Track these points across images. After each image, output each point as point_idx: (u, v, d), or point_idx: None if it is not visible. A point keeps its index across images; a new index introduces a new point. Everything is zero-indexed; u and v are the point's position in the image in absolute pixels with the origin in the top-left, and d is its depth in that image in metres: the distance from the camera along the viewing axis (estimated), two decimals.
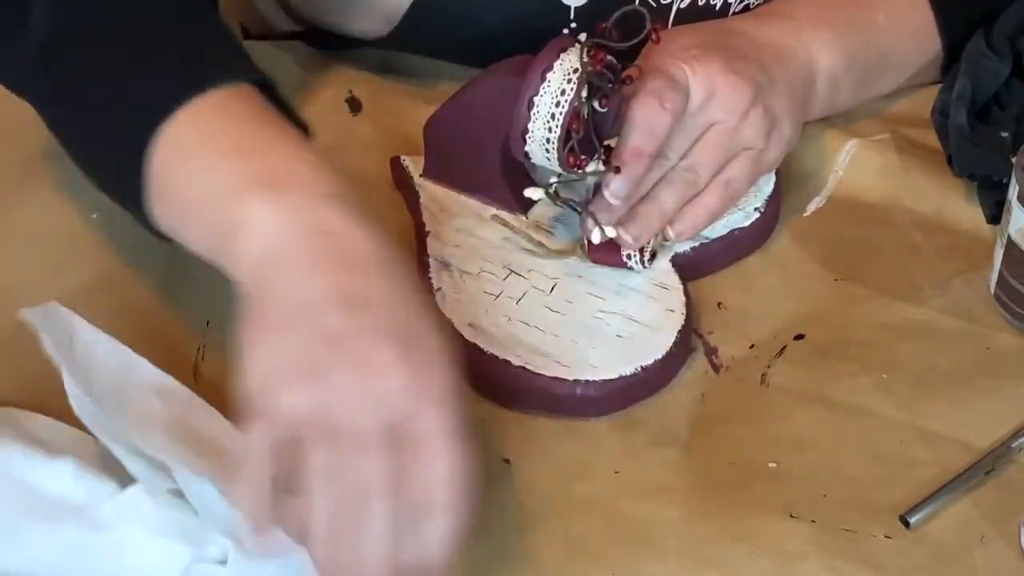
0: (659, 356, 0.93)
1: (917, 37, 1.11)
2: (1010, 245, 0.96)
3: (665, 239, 0.99)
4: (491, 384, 0.92)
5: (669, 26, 1.09)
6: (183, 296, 0.98)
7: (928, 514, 0.86)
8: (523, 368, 0.91)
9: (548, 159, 0.94)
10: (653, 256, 0.99)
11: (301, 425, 0.76)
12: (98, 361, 0.87)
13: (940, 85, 1.10)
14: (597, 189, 0.96)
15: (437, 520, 0.76)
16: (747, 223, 1.02)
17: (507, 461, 0.90)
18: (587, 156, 0.94)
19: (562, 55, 0.92)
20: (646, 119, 0.94)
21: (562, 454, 0.90)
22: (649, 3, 1.08)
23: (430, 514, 0.76)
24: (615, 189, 0.94)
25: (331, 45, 1.16)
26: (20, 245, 1.02)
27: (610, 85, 0.92)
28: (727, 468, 0.90)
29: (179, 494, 0.82)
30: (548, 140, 0.93)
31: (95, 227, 1.03)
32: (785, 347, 0.97)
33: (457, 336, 0.92)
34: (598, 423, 0.91)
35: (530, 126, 0.93)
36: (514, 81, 0.93)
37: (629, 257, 0.98)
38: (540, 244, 0.99)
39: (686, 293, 0.97)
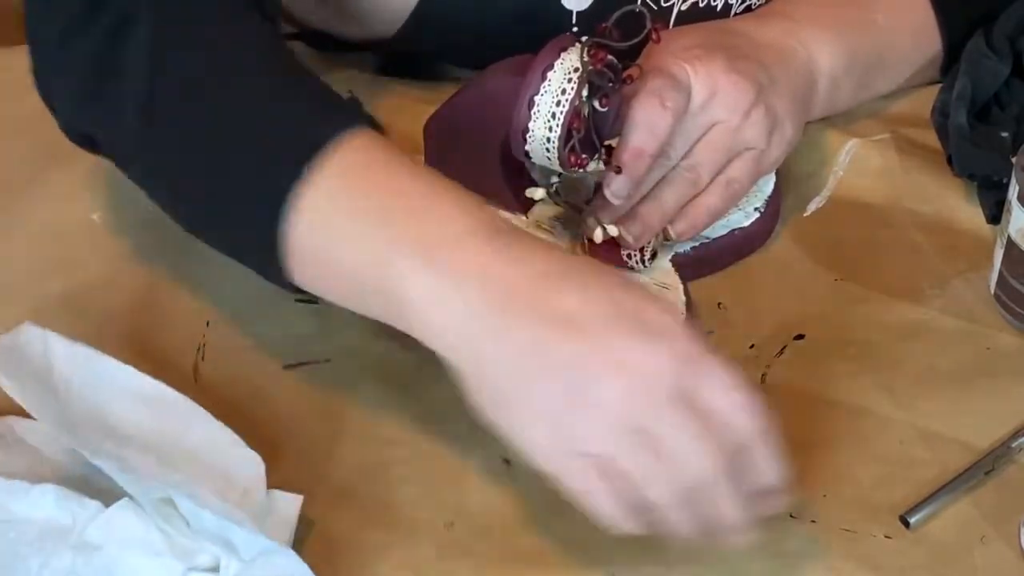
0: None
1: (917, 37, 1.11)
2: (1010, 245, 0.96)
3: (666, 239, 0.99)
4: None
5: (670, 28, 1.09)
6: (183, 296, 0.98)
7: (928, 514, 0.86)
8: None
9: (549, 159, 0.94)
10: (653, 256, 0.99)
11: (621, 453, 0.78)
12: (75, 380, 0.87)
13: (940, 85, 1.10)
14: (598, 188, 0.96)
15: (761, 453, 0.80)
16: (747, 223, 1.02)
17: (507, 461, 0.90)
18: (588, 156, 0.94)
19: (563, 54, 0.92)
20: (647, 119, 0.94)
21: None
22: (650, 5, 1.08)
23: (754, 452, 0.80)
24: (616, 189, 0.94)
25: (330, 48, 1.16)
26: (21, 245, 1.02)
27: (611, 84, 0.92)
28: None
29: (169, 503, 0.82)
30: (549, 140, 0.93)
31: (95, 228, 1.03)
32: (785, 347, 0.97)
33: None
34: None
35: (531, 125, 0.93)
36: (514, 81, 0.93)
37: (629, 257, 0.98)
38: None
39: (686, 293, 0.97)
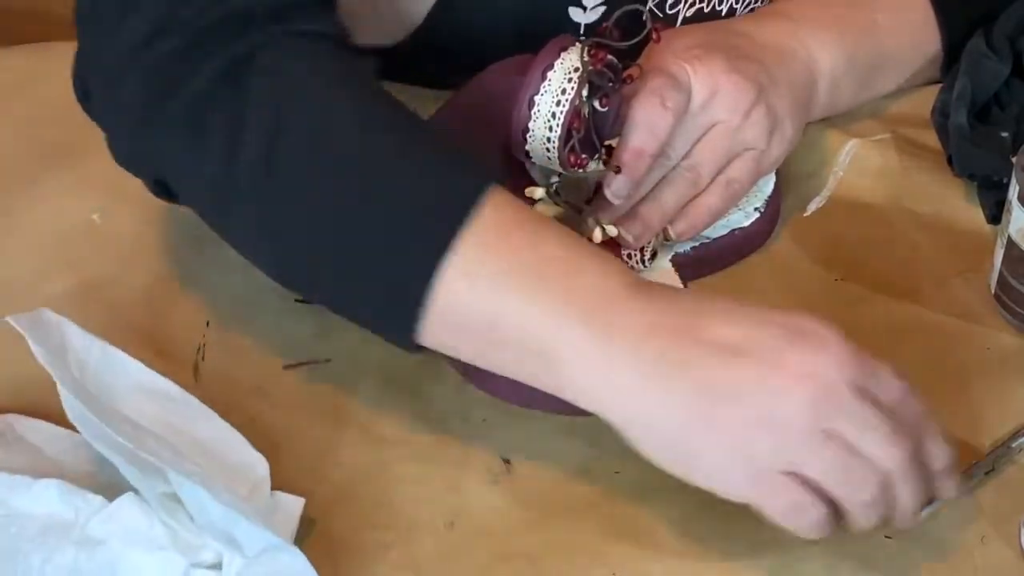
0: None
1: (917, 37, 1.11)
2: (1010, 245, 0.96)
3: (666, 238, 0.99)
4: (492, 382, 0.91)
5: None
6: (183, 296, 0.98)
7: (928, 514, 0.86)
8: None
9: (549, 158, 0.94)
10: (653, 255, 0.99)
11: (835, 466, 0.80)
12: (90, 366, 0.87)
13: (940, 85, 1.10)
14: (598, 188, 0.96)
15: (933, 438, 0.82)
16: (747, 223, 1.02)
17: (507, 461, 0.90)
18: (588, 156, 0.94)
19: (563, 54, 0.92)
20: (647, 119, 0.94)
21: (562, 454, 0.90)
22: (655, 12, 1.07)
23: (927, 438, 0.82)
24: (616, 189, 0.94)
25: None
26: (21, 245, 1.02)
27: (611, 84, 0.92)
28: None
29: (174, 497, 0.82)
30: (549, 139, 0.93)
31: (96, 228, 1.03)
32: None
33: None
34: (598, 423, 0.91)
35: (531, 125, 0.93)
36: (515, 80, 0.93)
37: (630, 257, 0.98)
38: None
39: None
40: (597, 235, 0.96)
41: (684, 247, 1.00)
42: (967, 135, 1.05)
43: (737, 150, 0.98)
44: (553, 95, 0.92)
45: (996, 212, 1.03)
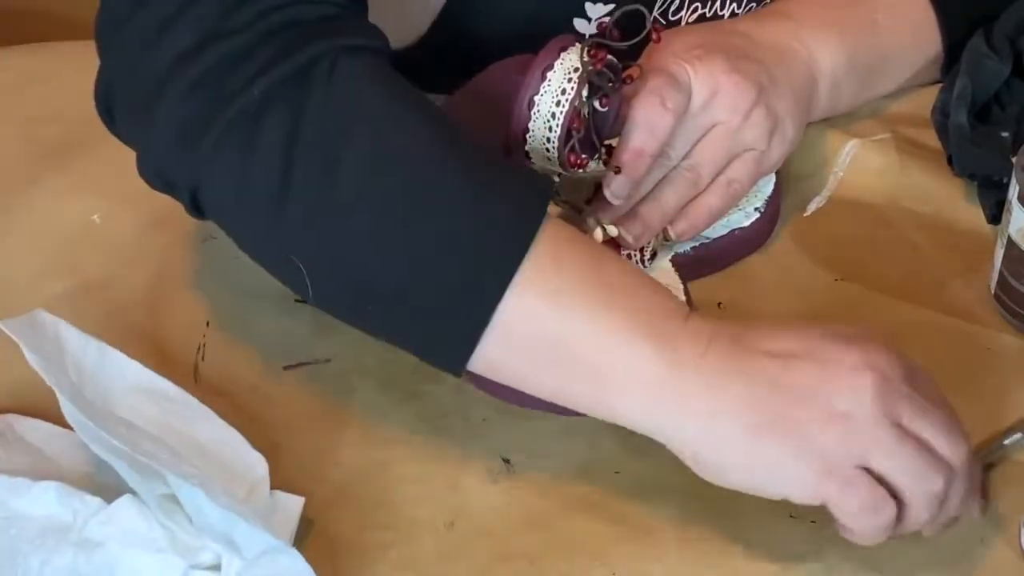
0: None
1: (917, 37, 1.11)
2: (1010, 245, 0.96)
3: (666, 238, 0.99)
4: (492, 383, 0.91)
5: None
6: (183, 296, 0.98)
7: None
8: None
9: (549, 158, 0.94)
10: (653, 256, 0.99)
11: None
12: (87, 367, 0.87)
13: (940, 85, 1.10)
14: (598, 188, 0.96)
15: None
16: (747, 223, 1.02)
17: (507, 461, 0.90)
18: (588, 156, 0.94)
19: (562, 54, 0.92)
20: (647, 119, 0.94)
21: (562, 454, 0.90)
22: (658, 19, 1.07)
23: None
24: (616, 189, 0.94)
25: None
26: (21, 246, 1.02)
27: (611, 84, 0.92)
28: None
29: (172, 499, 0.82)
30: (549, 139, 0.93)
31: (96, 228, 1.03)
32: None
33: None
34: (598, 423, 0.91)
35: (531, 125, 0.93)
36: (514, 80, 0.93)
37: (629, 257, 0.98)
38: None
39: (686, 293, 0.97)
40: (597, 235, 0.96)
41: (684, 247, 1.00)
42: (967, 135, 1.05)
43: (737, 150, 0.98)
44: (553, 95, 0.92)
45: (996, 212, 1.03)
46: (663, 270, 0.98)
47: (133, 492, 0.83)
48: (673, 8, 1.09)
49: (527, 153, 0.95)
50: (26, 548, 0.81)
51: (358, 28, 0.88)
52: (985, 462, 0.89)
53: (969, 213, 1.05)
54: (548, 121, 0.92)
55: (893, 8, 1.09)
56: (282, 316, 0.96)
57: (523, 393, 0.89)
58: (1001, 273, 0.98)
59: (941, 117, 1.08)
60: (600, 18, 1.06)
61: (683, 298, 0.96)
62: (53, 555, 0.81)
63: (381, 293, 0.84)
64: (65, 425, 0.86)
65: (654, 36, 0.94)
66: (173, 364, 0.93)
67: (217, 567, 0.80)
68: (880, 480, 0.81)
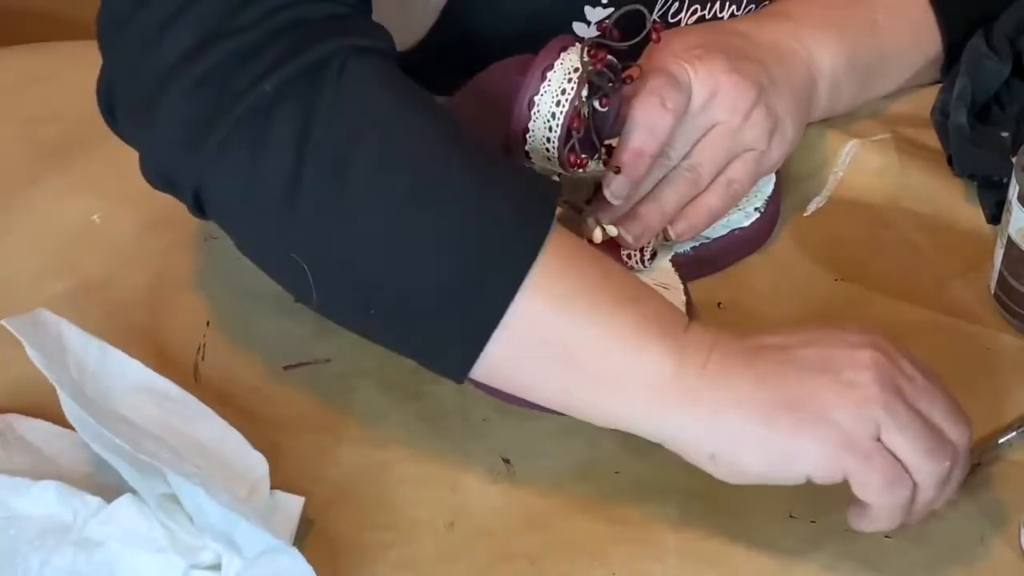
0: None
1: (917, 37, 1.11)
2: (1010, 245, 0.96)
3: (666, 239, 0.99)
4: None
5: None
6: (183, 296, 0.98)
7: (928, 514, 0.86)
8: None
9: (549, 158, 0.94)
10: (653, 256, 0.99)
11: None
12: (89, 366, 0.87)
13: (940, 85, 1.10)
14: (598, 188, 0.96)
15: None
16: (747, 223, 1.02)
17: (507, 461, 0.90)
18: (588, 156, 0.94)
19: (563, 54, 0.92)
20: (647, 119, 0.94)
21: (562, 454, 0.90)
22: (656, 19, 1.07)
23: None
24: (615, 189, 0.94)
25: None
26: (21, 246, 1.02)
27: (611, 84, 0.92)
28: None
29: (173, 498, 0.82)
30: (549, 139, 0.93)
31: (96, 228, 1.03)
32: None
33: None
34: None
35: (531, 125, 0.93)
36: (514, 80, 0.93)
37: (629, 257, 0.98)
38: None
39: (686, 293, 0.97)
40: (597, 235, 0.96)
41: (684, 247, 1.00)
42: (967, 135, 1.05)
43: (737, 151, 0.98)
44: (553, 95, 0.92)
45: (996, 212, 1.03)
46: (663, 270, 0.98)
47: (133, 491, 0.83)
48: (673, 10, 1.09)
49: (527, 153, 0.95)
50: (26, 548, 0.81)
51: (366, 28, 0.88)
52: (979, 461, 0.89)
53: (969, 213, 1.05)
54: (548, 121, 0.92)
55: (893, 8, 1.09)
56: (282, 316, 0.96)
57: None
58: (1001, 273, 0.98)
59: (941, 117, 1.08)
60: (599, 21, 1.06)
61: (683, 298, 0.96)
62: (53, 555, 0.81)
63: (386, 295, 0.84)
64: (65, 425, 0.86)
65: (654, 36, 0.94)
66: (173, 364, 0.93)
67: (217, 567, 0.80)
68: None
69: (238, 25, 0.84)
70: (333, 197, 0.83)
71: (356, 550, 0.85)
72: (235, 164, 0.84)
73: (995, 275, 0.98)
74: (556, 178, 0.97)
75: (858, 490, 0.81)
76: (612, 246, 0.97)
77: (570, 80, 0.92)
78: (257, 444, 0.86)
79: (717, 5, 1.11)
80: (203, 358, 0.95)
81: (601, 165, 0.95)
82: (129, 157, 0.90)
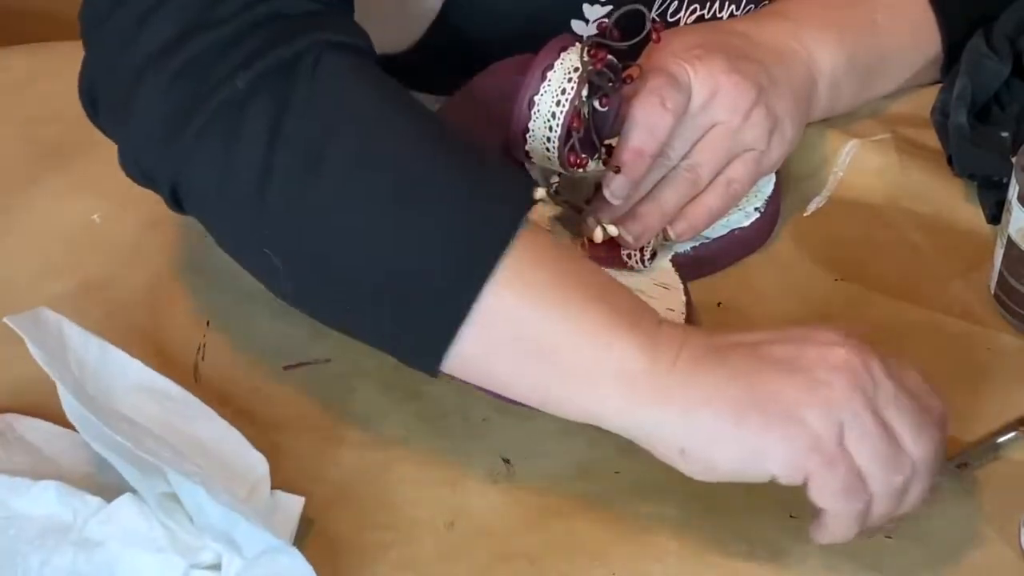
0: None
1: (917, 37, 1.11)
2: (1010, 245, 0.96)
3: (665, 239, 0.99)
4: None
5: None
6: (183, 296, 0.98)
7: (928, 514, 0.86)
8: None
9: (549, 158, 0.94)
10: (653, 256, 0.99)
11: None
12: (89, 365, 0.87)
13: (940, 85, 1.10)
14: (598, 188, 0.96)
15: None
16: (747, 223, 1.02)
17: (507, 461, 0.90)
18: (588, 155, 0.94)
19: (563, 54, 0.92)
20: (647, 119, 0.94)
21: (562, 454, 0.90)
22: (655, 19, 1.07)
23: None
24: (615, 189, 0.94)
25: None
26: (21, 245, 1.02)
27: (611, 84, 0.92)
28: None
29: (173, 498, 0.82)
30: (549, 139, 0.93)
31: (96, 228, 1.03)
32: None
33: None
34: None
35: (531, 125, 0.93)
36: (515, 80, 0.93)
37: (629, 256, 0.98)
38: None
39: (686, 293, 0.97)
40: (597, 235, 0.96)
41: (684, 247, 1.00)
42: (967, 135, 1.05)
43: (737, 151, 0.98)
44: (553, 95, 0.92)
45: (996, 212, 1.03)
46: (663, 270, 0.98)
47: (133, 491, 0.83)
48: (672, 9, 1.09)
49: (527, 153, 0.95)
50: (26, 548, 0.81)
51: (342, 25, 0.88)
52: (966, 462, 0.89)
53: (969, 213, 1.05)
54: (548, 121, 0.92)
55: (892, 8, 1.09)
56: (282, 316, 0.96)
57: None
58: (1001, 273, 0.98)
59: (941, 117, 1.08)
60: (598, 19, 1.06)
61: (683, 298, 0.96)
62: (53, 555, 0.81)
63: (357, 289, 0.84)
64: (65, 425, 0.86)
65: (654, 36, 0.94)
66: (173, 364, 0.93)
67: (217, 566, 0.80)
68: None
69: (215, 18, 0.84)
70: (304, 191, 0.83)
71: (356, 550, 0.85)
72: (209, 157, 0.84)
73: (995, 275, 0.98)
74: (556, 178, 0.98)
75: (815, 493, 0.80)
76: (612, 246, 0.97)
77: (570, 80, 0.92)
78: (257, 444, 0.86)
79: (716, 5, 1.11)
80: (203, 358, 0.95)
81: (601, 165, 0.95)
82: None
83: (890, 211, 1.06)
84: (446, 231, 0.83)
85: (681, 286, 0.97)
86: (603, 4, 1.08)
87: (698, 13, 1.10)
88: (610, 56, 0.93)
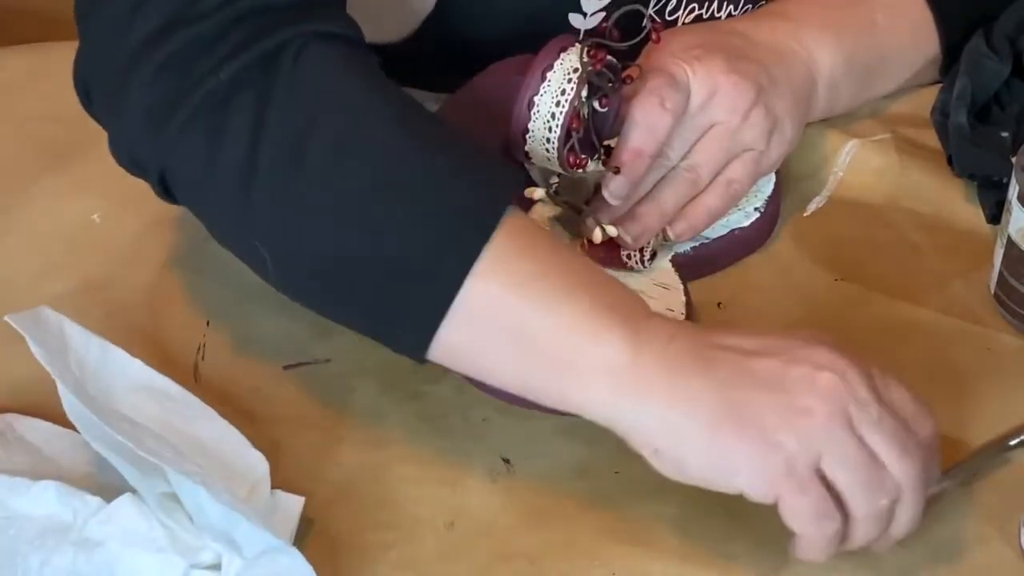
0: None
1: (916, 37, 1.11)
2: (1010, 245, 0.96)
3: (665, 239, 0.99)
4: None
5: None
6: (183, 296, 0.98)
7: (927, 514, 0.86)
8: None
9: (548, 159, 0.94)
10: (653, 256, 0.99)
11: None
12: (90, 364, 0.87)
13: (940, 85, 1.10)
14: (597, 189, 0.96)
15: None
16: (747, 223, 1.02)
17: (507, 461, 0.90)
18: (587, 156, 0.94)
19: (562, 55, 0.92)
20: (646, 119, 0.94)
21: (562, 454, 0.90)
22: (654, 19, 1.07)
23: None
24: (615, 189, 0.94)
25: None
26: (21, 245, 1.02)
27: (610, 85, 0.92)
28: None
29: (173, 498, 0.82)
30: (548, 140, 0.93)
31: (96, 228, 1.03)
32: None
33: None
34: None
35: (530, 126, 0.93)
36: (514, 80, 0.93)
37: (629, 257, 0.98)
38: None
39: (686, 293, 0.97)
40: (597, 235, 0.96)
41: (684, 247, 1.00)
42: (967, 135, 1.05)
43: (736, 151, 0.98)
44: (553, 95, 0.92)
45: (996, 212, 1.03)
46: (663, 270, 0.98)
47: (133, 491, 0.83)
48: (670, 8, 1.09)
49: (527, 153, 0.95)
50: (26, 548, 0.81)
51: (329, 16, 0.88)
52: (988, 465, 0.89)
53: (969, 213, 1.05)
54: (548, 121, 0.92)
55: (892, 8, 1.09)
56: (282, 316, 0.96)
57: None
58: (1001, 273, 0.98)
59: (941, 117, 1.08)
60: (596, 12, 1.06)
61: (683, 298, 0.96)
62: (53, 555, 0.81)
63: (344, 279, 0.84)
64: (65, 424, 0.86)
65: (653, 36, 0.94)
66: (173, 364, 0.93)
67: (217, 566, 0.80)
68: (828, 488, 0.80)
69: (200, 11, 0.85)
70: (288, 184, 0.83)
71: (356, 550, 0.85)
72: (194, 151, 0.85)
73: (995, 275, 0.98)
74: (556, 178, 0.98)
75: (785, 516, 0.80)
76: (612, 246, 0.97)
77: (570, 80, 0.92)
78: (257, 444, 0.86)
79: (714, 4, 1.11)
80: (203, 358, 0.95)
81: (601, 165, 0.95)
82: None
83: (890, 211, 1.06)
84: (430, 220, 0.83)
85: (681, 286, 0.97)
86: None
87: (696, 13, 1.10)
88: (610, 56, 0.93)
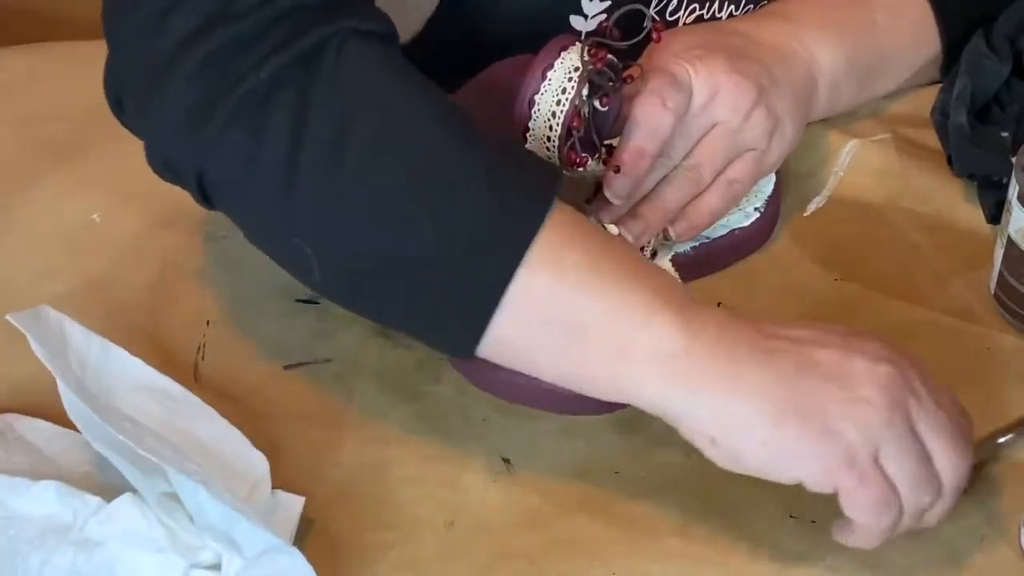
0: None
1: (917, 37, 1.11)
2: (1010, 245, 0.96)
3: (666, 238, 0.99)
4: (492, 382, 0.91)
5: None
6: (183, 296, 0.98)
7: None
8: None
9: (549, 158, 0.94)
10: (653, 255, 0.99)
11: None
12: (91, 363, 0.87)
13: (940, 85, 1.10)
14: (598, 188, 0.96)
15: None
16: (747, 223, 1.02)
17: (507, 461, 0.90)
18: (588, 155, 0.94)
19: (563, 54, 0.92)
20: (648, 118, 0.94)
21: (562, 454, 0.90)
22: (655, 17, 1.07)
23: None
24: (616, 189, 0.94)
25: None
26: (22, 245, 1.02)
27: (611, 84, 0.92)
28: None
29: (173, 497, 0.82)
30: (549, 139, 0.93)
31: (96, 228, 1.03)
32: None
33: None
34: (598, 423, 0.91)
35: (531, 125, 0.93)
36: (515, 80, 0.93)
37: None
38: None
39: None
40: None
41: (684, 247, 1.00)
42: (967, 135, 1.05)
43: (738, 150, 0.98)
44: (553, 95, 0.92)
45: (996, 212, 1.03)
46: (663, 269, 0.98)
47: (134, 491, 0.83)
48: (671, 8, 1.09)
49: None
50: (25, 548, 0.81)
51: (366, 12, 0.88)
52: (977, 461, 0.89)
53: (969, 213, 1.05)
54: (548, 120, 0.93)
55: (892, 8, 1.09)
56: (282, 316, 0.96)
57: (522, 389, 0.89)
58: (1001, 273, 0.98)
59: (941, 117, 1.08)
60: (597, 15, 1.06)
61: None
62: (53, 555, 0.81)
63: (389, 276, 0.84)
64: (66, 424, 0.86)
65: (655, 36, 0.94)
66: (174, 363, 0.93)
67: (217, 566, 0.80)
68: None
69: (237, 11, 0.84)
70: (331, 180, 0.83)
71: (356, 550, 0.85)
72: (234, 151, 0.84)
73: (995, 275, 0.98)
74: None
75: (846, 507, 0.81)
76: None
77: (571, 79, 0.92)
78: (257, 444, 0.86)
79: (715, 4, 1.11)
80: (203, 357, 0.95)
81: (601, 165, 0.95)
82: (129, 156, 0.90)
83: (890, 211, 1.06)
84: (477, 214, 0.82)
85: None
86: (602, 0, 1.07)
87: (697, 13, 1.10)
88: (611, 56, 0.93)
